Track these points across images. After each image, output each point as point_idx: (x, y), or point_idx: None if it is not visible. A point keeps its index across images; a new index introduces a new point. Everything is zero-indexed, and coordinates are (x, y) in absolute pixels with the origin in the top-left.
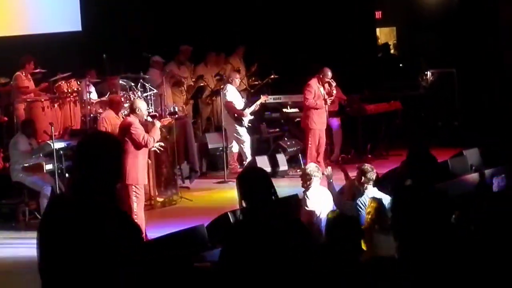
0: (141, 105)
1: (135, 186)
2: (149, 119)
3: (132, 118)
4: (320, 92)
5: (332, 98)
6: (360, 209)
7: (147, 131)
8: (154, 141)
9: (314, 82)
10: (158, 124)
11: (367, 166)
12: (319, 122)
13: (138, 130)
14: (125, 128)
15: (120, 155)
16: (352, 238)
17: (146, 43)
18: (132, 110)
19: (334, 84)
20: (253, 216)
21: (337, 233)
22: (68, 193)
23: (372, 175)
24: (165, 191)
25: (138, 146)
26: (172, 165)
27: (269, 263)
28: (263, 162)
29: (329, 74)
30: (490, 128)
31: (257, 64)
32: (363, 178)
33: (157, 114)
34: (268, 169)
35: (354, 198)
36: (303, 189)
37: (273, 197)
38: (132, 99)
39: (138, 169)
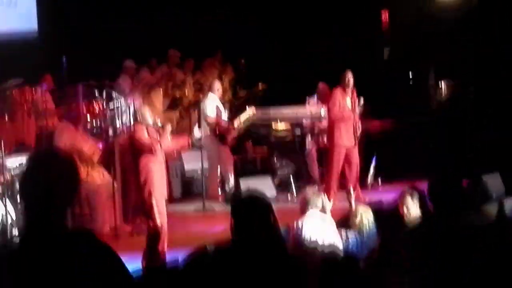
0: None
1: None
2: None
3: (136, 129)
4: (346, 104)
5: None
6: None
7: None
8: (165, 145)
9: (338, 92)
10: (168, 128)
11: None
12: (347, 138)
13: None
14: (131, 141)
15: (76, 175)
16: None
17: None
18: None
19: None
20: (239, 252)
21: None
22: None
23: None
24: (133, 218)
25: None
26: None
27: None
28: (248, 186)
29: (350, 77)
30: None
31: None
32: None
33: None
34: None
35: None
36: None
37: (271, 233)
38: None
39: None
